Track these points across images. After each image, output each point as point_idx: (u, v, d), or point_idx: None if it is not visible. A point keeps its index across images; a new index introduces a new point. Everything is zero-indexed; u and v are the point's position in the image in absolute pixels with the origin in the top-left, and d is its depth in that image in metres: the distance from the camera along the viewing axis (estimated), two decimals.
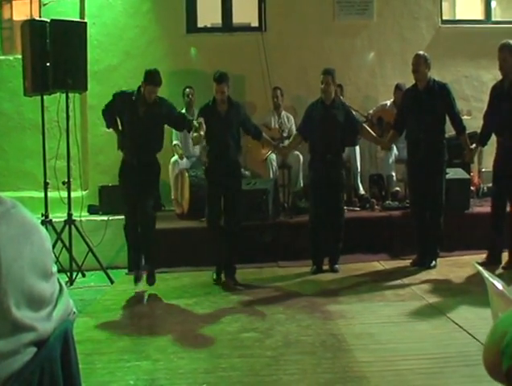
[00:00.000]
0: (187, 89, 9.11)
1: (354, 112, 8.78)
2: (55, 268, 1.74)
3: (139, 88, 6.47)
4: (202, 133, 6.58)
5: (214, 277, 6.97)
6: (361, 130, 7.45)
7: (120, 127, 6.64)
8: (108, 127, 6.77)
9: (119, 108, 6.57)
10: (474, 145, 7.21)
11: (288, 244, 7.86)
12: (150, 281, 6.69)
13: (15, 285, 1.53)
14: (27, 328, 1.57)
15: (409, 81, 7.85)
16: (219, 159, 6.86)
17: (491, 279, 2.50)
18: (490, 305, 2.51)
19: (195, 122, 6.69)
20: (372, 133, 7.70)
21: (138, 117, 6.46)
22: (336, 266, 7.23)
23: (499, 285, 2.45)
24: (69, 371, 1.72)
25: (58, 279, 1.79)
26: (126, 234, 6.74)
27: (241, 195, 7.02)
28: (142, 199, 6.56)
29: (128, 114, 6.51)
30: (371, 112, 9.14)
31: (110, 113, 6.65)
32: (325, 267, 7.26)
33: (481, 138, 7.24)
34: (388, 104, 9.15)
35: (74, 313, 1.87)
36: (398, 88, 8.86)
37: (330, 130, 7.14)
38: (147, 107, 6.46)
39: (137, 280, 6.69)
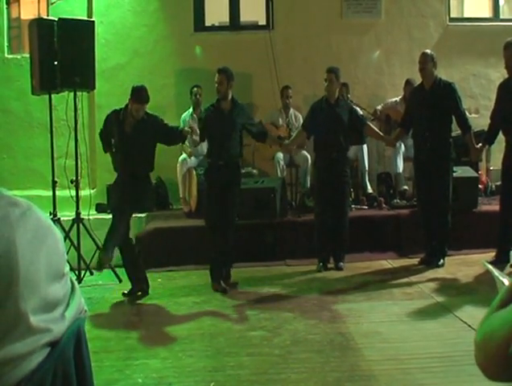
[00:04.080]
0: (195, 88, 9.09)
1: (361, 111, 8.80)
2: (67, 268, 1.75)
3: (127, 105, 6.40)
4: (195, 137, 6.60)
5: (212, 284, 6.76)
6: (365, 128, 7.46)
7: (113, 148, 6.58)
8: (105, 151, 6.73)
9: (110, 129, 6.51)
10: (480, 145, 7.19)
11: (296, 242, 7.86)
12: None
13: (32, 289, 1.54)
14: (43, 330, 1.58)
15: (417, 79, 7.85)
16: (219, 158, 6.78)
17: (501, 278, 2.50)
18: None
19: (186, 129, 6.67)
20: (376, 130, 7.73)
21: (125, 133, 6.38)
22: (341, 264, 7.24)
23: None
24: (82, 368, 1.73)
25: (70, 278, 1.79)
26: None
27: (237, 196, 6.86)
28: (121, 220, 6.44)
29: (116, 132, 6.44)
30: (379, 107, 9.12)
31: (105, 136, 6.62)
32: (330, 265, 7.29)
33: (488, 137, 7.22)
34: (397, 100, 9.12)
35: (85, 311, 1.87)
36: (408, 83, 8.83)
37: (334, 129, 7.16)
38: (135, 123, 6.37)
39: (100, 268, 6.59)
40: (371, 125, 7.72)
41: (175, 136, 6.66)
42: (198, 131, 6.65)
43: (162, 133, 6.53)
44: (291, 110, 9.26)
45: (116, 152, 6.52)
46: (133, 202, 6.36)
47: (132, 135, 6.36)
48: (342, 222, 7.25)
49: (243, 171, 8.59)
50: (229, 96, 6.80)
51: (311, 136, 7.50)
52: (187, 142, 8.67)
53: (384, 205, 8.65)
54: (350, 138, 7.56)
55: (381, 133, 7.82)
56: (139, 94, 6.30)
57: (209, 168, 6.98)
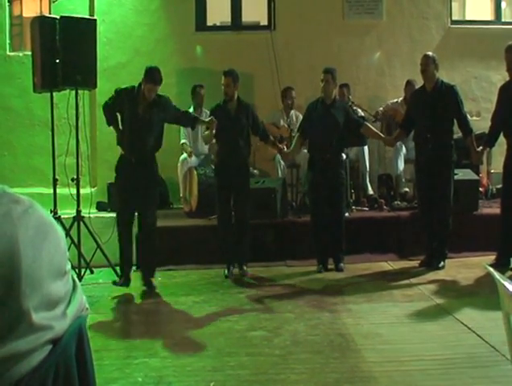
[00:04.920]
0: (198, 88, 9.09)
1: (363, 112, 8.80)
2: (69, 266, 1.75)
3: (140, 84, 6.49)
4: (214, 131, 6.69)
5: (225, 273, 7.11)
6: (362, 128, 7.46)
7: (120, 124, 6.67)
8: (109, 124, 6.80)
9: (120, 105, 6.57)
10: (481, 148, 7.19)
11: (296, 243, 7.86)
12: (151, 286, 6.64)
13: (34, 287, 1.54)
14: (45, 328, 1.57)
15: (418, 81, 7.85)
16: (228, 158, 6.99)
17: (502, 281, 2.50)
18: (501, 307, 2.52)
19: (206, 119, 6.88)
20: (374, 130, 7.73)
21: (137, 114, 6.47)
22: (341, 265, 7.24)
23: (510, 286, 2.45)
24: (84, 366, 1.73)
25: (72, 276, 1.79)
26: (119, 232, 6.73)
27: (249, 194, 7.17)
28: (144, 208, 6.59)
29: (128, 111, 6.52)
30: (381, 109, 9.11)
31: (111, 110, 6.67)
32: (330, 266, 7.28)
33: (489, 140, 7.22)
34: (399, 101, 9.11)
35: (87, 309, 1.87)
36: (408, 83, 8.85)
37: (329, 130, 7.17)
38: (147, 105, 6.46)
39: (127, 282, 6.70)
40: (369, 125, 7.69)
41: (187, 118, 6.89)
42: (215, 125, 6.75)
43: (174, 114, 6.69)
44: (293, 111, 9.26)
45: (124, 130, 6.57)
46: (140, 185, 6.47)
47: (144, 116, 6.45)
48: (339, 223, 7.25)
49: None
50: (235, 97, 7.00)
51: (307, 138, 7.50)
52: (185, 138, 8.71)
53: (385, 207, 8.65)
54: (350, 140, 7.57)
55: (380, 134, 7.81)
56: (153, 74, 6.38)
57: (219, 168, 7.15)
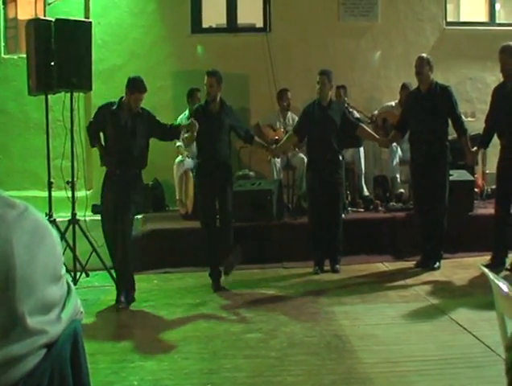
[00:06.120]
0: (195, 91, 9.05)
1: (358, 114, 8.81)
2: (64, 271, 1.75)
3: (121, 98, 6.38)
4: (195, 133, 6.58)
5: (212, 284, 6.82)
6: (358, 129, 7.47)
7: (103, 142, 6.53)
8: (92, 145, 6.69)
9: (102, 122, 6.44)
10: (475, 148, 7.21)
11: (292, 245, 7.85)
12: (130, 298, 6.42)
13: (29, 291, 1.54)
14: (40, 332, 1.58)
15: (413, 83, 7.87)
16: (209, 159, 6.87)
17: (497, 281, 2.51)
18: (495, 307, 2.53)
19: (186, 122, 6.78)
20: (370, 131, 7.74)
21: (121, 126, 6.31)
22: (337, 266, 7.24)
23: (505, 287, 2.46)
24: (78, 370, 1.74)
25: (66, 280, 1.79)
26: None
27: (231, 195, 6.97)
28: (120, 218, 6.39)
29: (111, 125, 6.37)
30: (376, 112, 9.14)
31: (94, 129, 6.54)
32: (327, 267, 7.28)
33: (483, 140, 7.24)
34: (393, 104, 9.14)
35: (81, 312, 1.87)
36: (404, 87, 8.87)
37: (327, 131, 7.19)
38: (131, 116, 6.32)
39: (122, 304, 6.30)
40: (364, 126, 7.71)
41: (169, 130, 6.67)
42: (197, 126, 6.61)
43: (157, 126, 6.53)
44: (289, 113, 9.25)
45: (109, 146, 6.46)
46: (128, 199, 6.36)
47: (128, 128, 6.32)
48: (336, 223, 7.26)
49: (240, 173, 8.61)
50: (218, 98, 6.89)
51: (303, 139, 7.52)
52: (180, 141, 8.66)
53: (380, 208, 8.66)
54: (346, 141, 7.58)
55: (375, 134, 7.82)
56: (138, 83, 6.29)
57: (200, 169, 7.06)
